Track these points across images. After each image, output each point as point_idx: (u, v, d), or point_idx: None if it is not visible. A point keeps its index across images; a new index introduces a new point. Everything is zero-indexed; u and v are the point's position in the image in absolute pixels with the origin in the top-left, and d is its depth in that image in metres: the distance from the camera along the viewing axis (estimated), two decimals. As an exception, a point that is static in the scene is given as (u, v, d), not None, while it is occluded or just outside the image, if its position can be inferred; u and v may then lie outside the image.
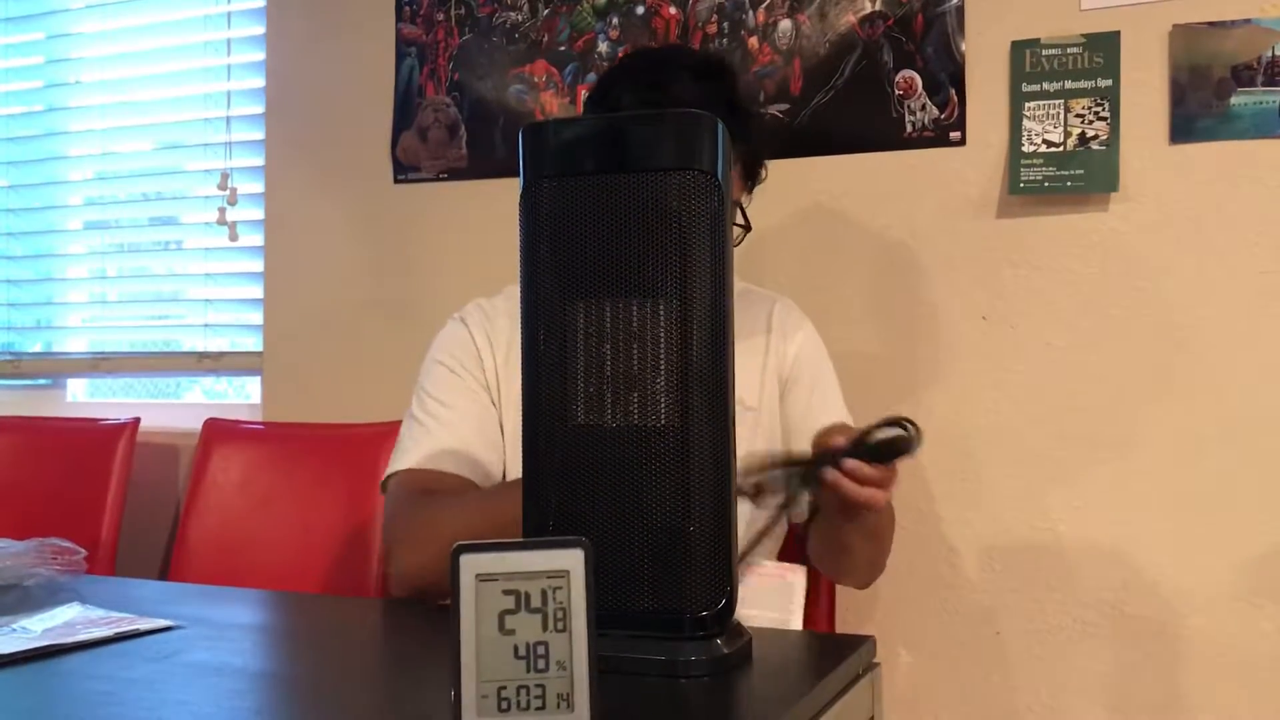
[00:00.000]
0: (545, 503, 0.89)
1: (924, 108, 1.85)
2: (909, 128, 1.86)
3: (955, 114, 1.84)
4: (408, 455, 1.42)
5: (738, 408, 1.40)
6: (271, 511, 2.21)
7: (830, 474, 1.12)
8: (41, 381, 2.71)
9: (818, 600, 1.70)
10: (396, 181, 2.25)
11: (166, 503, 2.42)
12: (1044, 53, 1.78)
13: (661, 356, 0.87)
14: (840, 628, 1.79)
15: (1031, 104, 1.78)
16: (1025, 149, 1.78)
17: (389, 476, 1.42)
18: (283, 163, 2.37)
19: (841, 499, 1.13)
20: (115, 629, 1.04)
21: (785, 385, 1.54)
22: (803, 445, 1.47)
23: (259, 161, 2.40)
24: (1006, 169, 1.80)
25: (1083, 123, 1.75)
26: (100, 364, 2.61)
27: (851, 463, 1.11)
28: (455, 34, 2.19)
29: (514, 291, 1.56)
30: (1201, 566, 1.71)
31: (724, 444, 0.87)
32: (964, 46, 1.83)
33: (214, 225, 2.40)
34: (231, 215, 2.39)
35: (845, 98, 1.91)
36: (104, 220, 2.66)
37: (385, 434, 2.17)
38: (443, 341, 1.54)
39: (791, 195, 1.92)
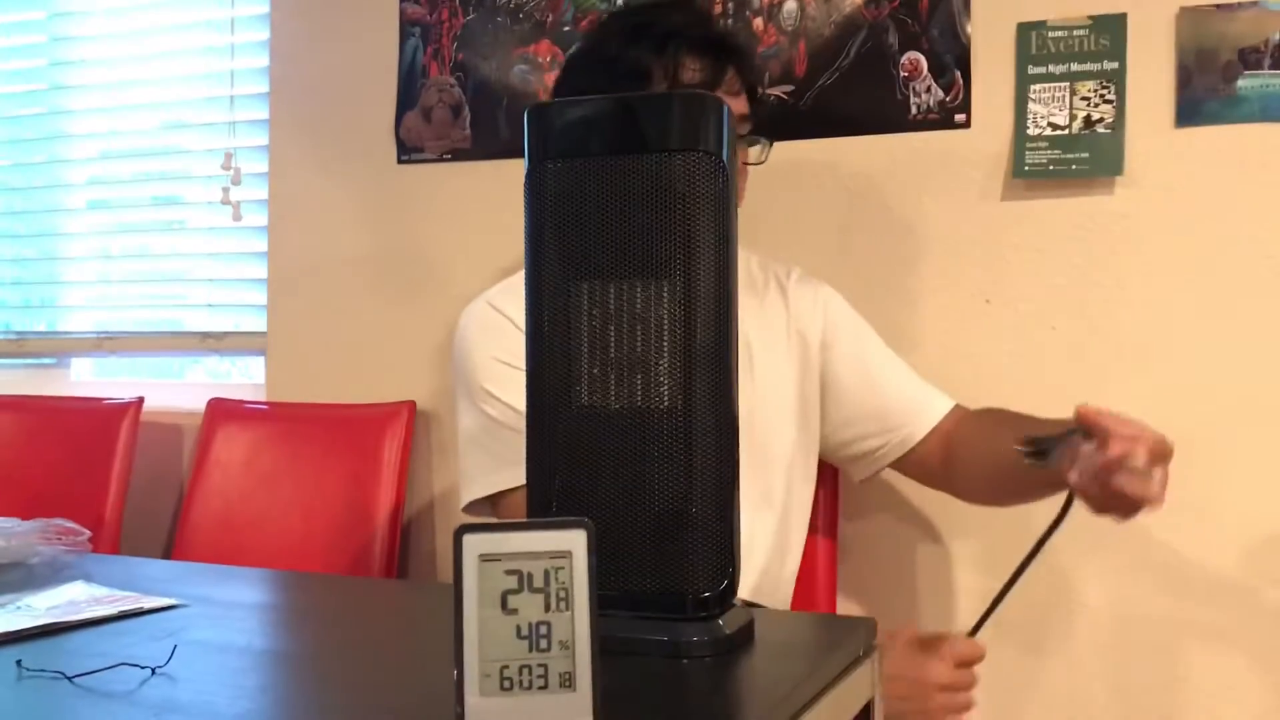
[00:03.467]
0: (548, 484, 0.90)
1: (929, 90, 1.85)
2: (914, 110, 1.86)
3: (960, 96, 1.83)
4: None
5: (755, 365, 1.44)
6: (275, 491, 2.22)
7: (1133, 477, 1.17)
8: (45, 361, 2.71)
9: (818, 582, 1.71)
10: (400, 162, 2.24)
11: (170, 482, 2.42)
12: (1050, 35, 1.77)
13: (665, 338, 0.87)
14: (841, 610, 1.80)
15: (1037, 86, 1.78)
16: (1030, 132, 1.77)
17: (506, 491, 1.35)
18: (286, 142, 2.37)
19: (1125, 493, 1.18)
20: (119, 607, 1.05)
21: (823, 344, 1.57)
22: (859, 397, 1.56)
23: (263, 141, 2.40)
24: (1011, 152, 1.79)
25: (1088, 106, 1.75)
26: (104, 343, 2.62)
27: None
28: (459, 14, 2.19)
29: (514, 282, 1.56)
30: (1206, 550, 1.71)
31: (727, 426, 0.87)
32: (970, 28, 1.82)
33: (218, 205, 2.40)
34: (235, 195, 2.39)
35: (850, 79, 1.90)
36: (107, 199, 2.66)
37: (389, 414, 2.18)
38: (488, 335, 1.44)
39: (795, 177, 1.92)
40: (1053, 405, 1.78)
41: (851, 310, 1.62)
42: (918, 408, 1.56)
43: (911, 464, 1.58)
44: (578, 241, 0.88)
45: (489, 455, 1.38)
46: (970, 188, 1.83)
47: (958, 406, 1.57)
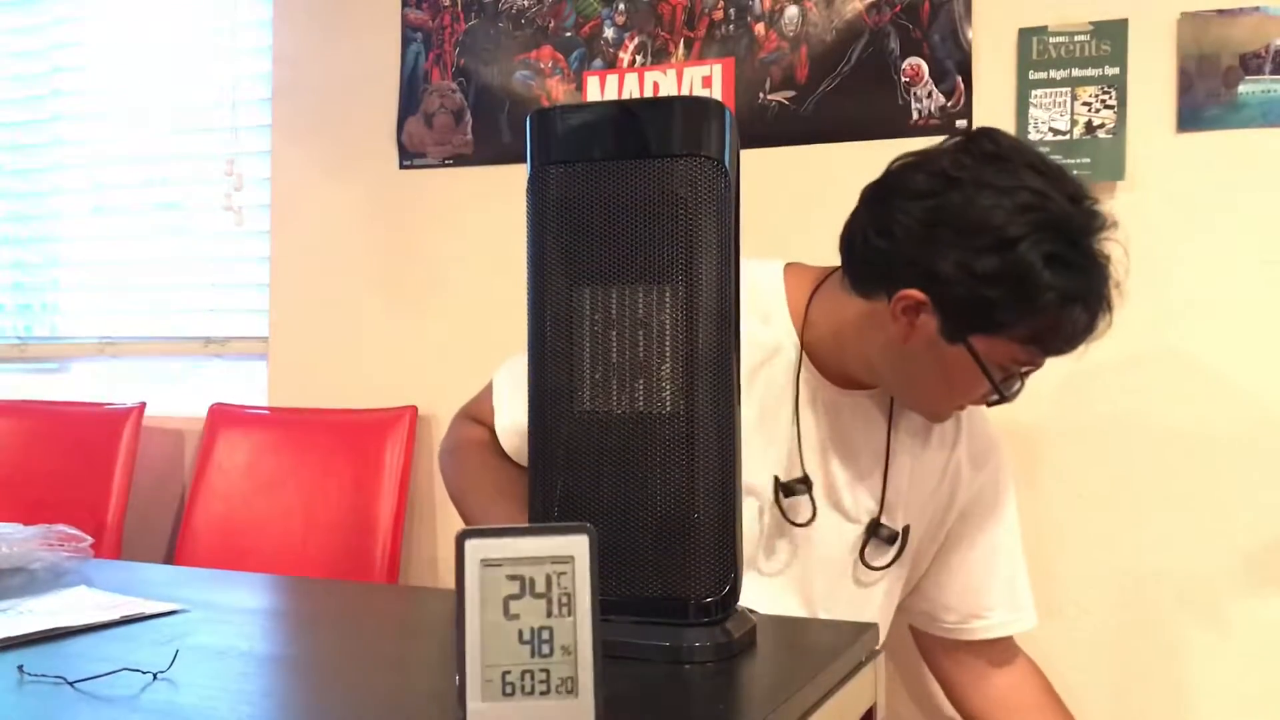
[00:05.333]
0: (550, 488, 0.89)
1: (930, 95, 1.85)
2: (915, 115, 1.86)
3: (962, 102, 1.83)
4: (509, 412, 1.36)
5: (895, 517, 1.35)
6: (276, 496, 2.22)
7: None
8: (48, 366, 2.71)
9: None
10: (402, 167, 2.25)
11: (172, 487, 2.42)
12: (1051, 40, 1.77)
13: (667, 343, 0.87)
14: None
15: (1038, 92, 1.78)
16: (1032, 137, 1.77)
17: (495, 392, 1.39)
18: (288, 147, 2.37)
19: None
20: (121, 612, 1.04)
21: (963, 512, 1.41)
22: (944, 591, 1.44)
23: (265, 146, 2.40)
24: (1013, 157, 1.79)
25: (1090, 111, 1.75)
26: (106, 348, 2.62)
27: None
28: (461, 19, 2.19)
29: None
30: (1205, 556, 1.71)
31: (729, 431, 0.87)
32: (971, 34, 1.83)
33: (220, 209, 2.40)
34: (237, 200, 2.39)
35: (851, 85, 1.90)
36: (110, 204, 2.66)
37: (391, 419, 2.18)
38: None
39: (797, 183, 1.92)
40: (1053, 410, 1.78)
41: (1008, 497, 1.44)
42: (981, 609, 1.44)
43: (935, 647, 1.50)
44: (580, 246, 0.88)
45: (510, 390, 1.38)
46: (972, 193, 1.83)
47: (1017, 654, 1.48)
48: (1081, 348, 1.21)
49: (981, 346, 1.19)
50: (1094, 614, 1.77)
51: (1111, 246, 1.21)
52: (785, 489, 1.30)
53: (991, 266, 1.13)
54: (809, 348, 1.31)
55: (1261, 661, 1.69)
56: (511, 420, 1.37)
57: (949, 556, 1.43)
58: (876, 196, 1.26)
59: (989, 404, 1.28)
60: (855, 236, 1.26)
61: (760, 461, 1.29)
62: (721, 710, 0.81)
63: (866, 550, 1.34)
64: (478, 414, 1.44)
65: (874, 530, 1.33)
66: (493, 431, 1.40)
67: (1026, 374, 1.25)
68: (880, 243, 1.21)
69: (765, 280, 1.35)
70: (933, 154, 1.22)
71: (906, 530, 1.35)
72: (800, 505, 1.31)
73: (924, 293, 1.17)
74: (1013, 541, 1.44)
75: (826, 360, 1.32)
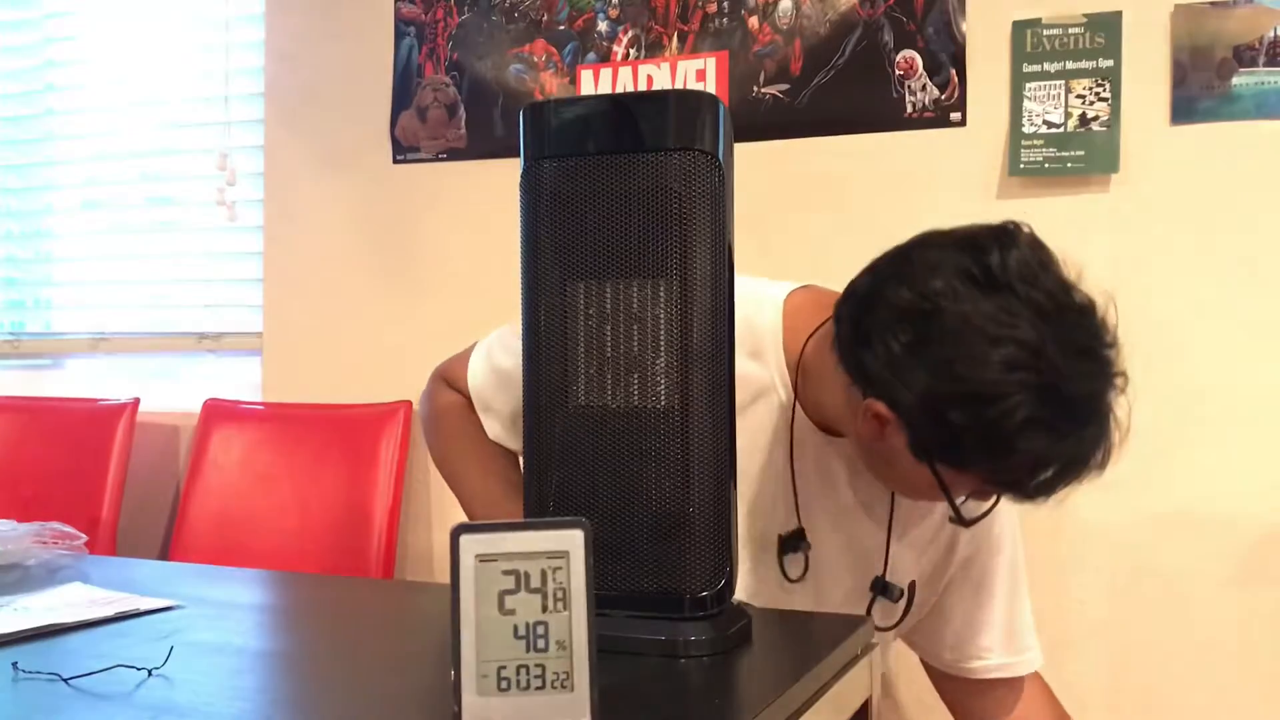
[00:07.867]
0: (545, 483, 0.89)
1: (924, 88, 1.85)
2: (909, 108, 1.86)
3: (956, 94, 1.83)
4: (492, 397, 1.31)
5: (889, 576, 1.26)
6: (271, 492, 2.22)
7: None
8: (41, 362, 2.71)
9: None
10: (395, 161, 2.24)
11: (167, 483, 2.42)
12: (1045, 33, 1.77)
13: (661, 337, 0.86)
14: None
15: (1032, 84, 1.78)
16: (1026, 130, 1.77)
17: (470, 362, 1.33)
18: (282, 142, 2.36)
19: None
20: (116, 608, 1.04)
21: (960, 564, 1.32)
22: (942, 633, 1.35)
23: (258, 141, 2.40)
24: (1007, 150, 1.79)
25: (1083, 103, 1.75)
26: (100, 344, 2.61)
27: None
28: (454, 13, 2.18)
29: None
30: (1200, 548, 1.71)
31: (723, 425, 0.87)
32: (965, 26, 1.83)
33: (213, 204, 2.40)
34: (230, 195, 2.39)
35: (846, 78, 1.90)
36: (102, 200, 2.65)
37: (385, 414, 2.18)
38: None
39: (791, 176, 1.92)
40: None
41: (1011, 523, 1.34)
42: (977, 650, 1.36)
43: (942, 677, 1.41)
44: (573, 241, 0.88)
45: (507, 383, 1.31)
46: (966, 186, 1.83)
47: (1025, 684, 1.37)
48: (1061, 494, 1.09)
49: (947, 474, 1.08)
50: (1091, 605, 1.77)
51: (1119, 400, 1.09)
52: (782, 544, 1.22)
53: (962, 419, 1.02)
54: (799, 392, 1.21)
55: (1254, 653, 1.69)
56: (476, 388, 1.32)
57: (947, 600, 1.35)
58: (862, 297, 1.12)
59: (950, 520, 1.16)
60: (841, 323, 1.13)
61: (748, 511, 1.22)
62: (717, 704, 0.81)
63: (874, 610, 1.25)
64: (452, 379, 1.37)
65: (881, 589, 1.25)
66: (468, 399, 1.35)
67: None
68: (858, 350, 1.09)
69: (760, 312, 1.24)
70: (929, 264, 1.09)
71: (913, 586, 1.28)
72: (796, 562, 1.23)
73: (893, 413, 1.06)
74: (1013, 584, 1.36)
75: (813, 408, 1.22)
